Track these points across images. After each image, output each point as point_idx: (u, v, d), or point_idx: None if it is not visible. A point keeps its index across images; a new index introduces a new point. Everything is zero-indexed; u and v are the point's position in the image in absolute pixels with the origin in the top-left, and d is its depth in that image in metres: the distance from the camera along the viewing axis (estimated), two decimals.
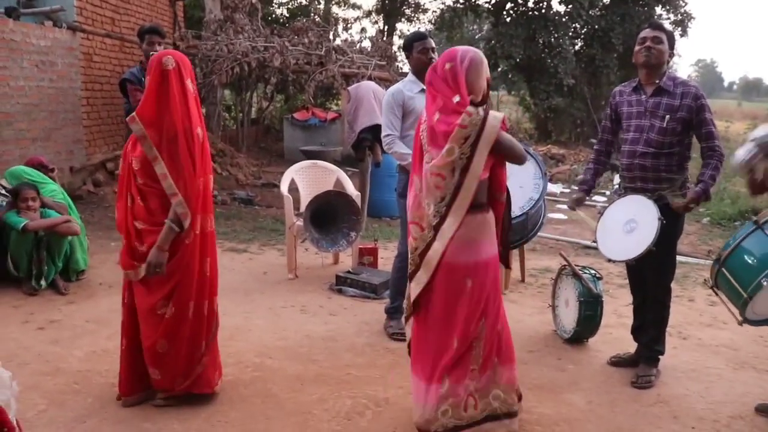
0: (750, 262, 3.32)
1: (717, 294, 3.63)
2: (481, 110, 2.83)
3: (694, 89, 3.65)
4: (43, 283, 5.16)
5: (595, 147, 4.21)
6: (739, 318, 3.43)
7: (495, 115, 2.87)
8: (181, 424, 3.22)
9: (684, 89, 3.65)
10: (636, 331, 4.07)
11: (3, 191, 5.37)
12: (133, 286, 3.30)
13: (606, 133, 4.06)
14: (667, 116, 3.63)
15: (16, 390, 2.90)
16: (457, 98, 2.86)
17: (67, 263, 5.37)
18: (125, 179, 3.26)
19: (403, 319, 4.54)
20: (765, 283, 3.19)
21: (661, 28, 3.74)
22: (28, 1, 8.55)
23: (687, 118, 3.63)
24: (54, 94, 8.17)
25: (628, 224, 3.72)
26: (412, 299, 3.07)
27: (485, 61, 2.97)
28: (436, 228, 2.91)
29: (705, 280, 3.59)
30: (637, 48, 3.72)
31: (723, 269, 3.46)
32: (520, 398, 3.19)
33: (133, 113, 3.16)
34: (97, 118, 9.31)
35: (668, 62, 3.74)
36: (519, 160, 3.00)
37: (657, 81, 3.69)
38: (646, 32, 3.70)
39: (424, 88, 4.36)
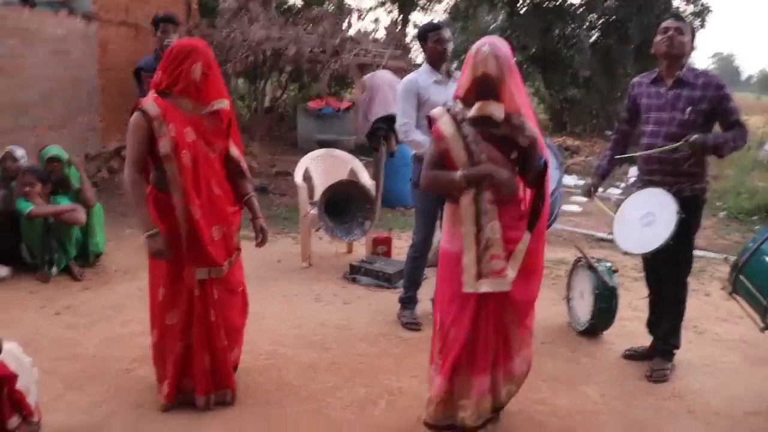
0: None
1: (737, 300, 3.59)
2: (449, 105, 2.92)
3: (715, 80, 3.59)
4: (54, 270, 5.19)
5: (612, 136, 4.17)
6: (761, 324, 3.39)
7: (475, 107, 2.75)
8: (196, 410, 3.23)
9: (705, 80, 3.59)
10: (651, 325, 4.04)
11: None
12: (210, 285, 3.16)
13: (624, 124, 4.02)
14: (688, 109, 3.58)
15: (36, 375, 2.95)
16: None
17: (85, 246, 5.40)
18: (205, 168, 3.11)
19: (416, 309, 4.57)
20: None
21: (682, 18, 3.69)
22: None
23: (708, 110, 3.57)
24: (69, 82, 8.20)
25: (645, 217, 3.68)
26: None
27: (479, 52, 2.75)
28: None
29: (723, 286, 3.56)
30: (658, 38, 3.66)
31: (741, 276, 3.42)
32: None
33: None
34: (112, 106, 9.32)
35: (689, 54, 3.68)
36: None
37: (677, 73, 3.64)
38: (668, 23, 3.64)
39: (439, 78, 4.38)
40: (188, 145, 3.03)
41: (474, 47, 2.80)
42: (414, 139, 4.29)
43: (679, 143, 3.49)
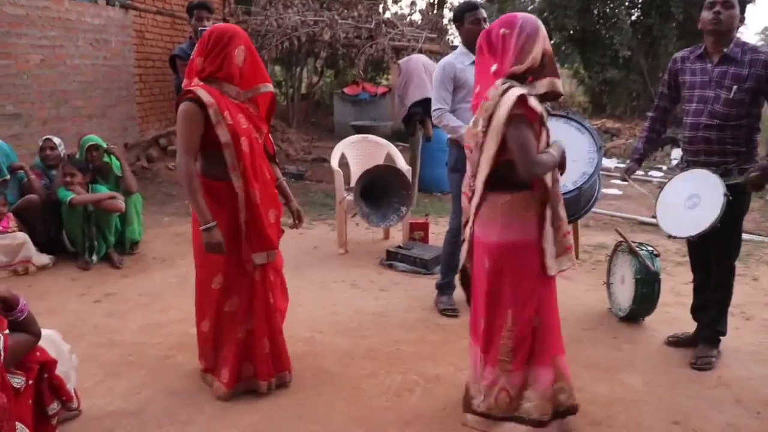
0: None
1: None
2: (508, 83, 2.65)
3: (764, 56, 3.39)
4: (94, 258, 5.27)
5: (650, 115, 3.99)
6: None
7: (513, 93, 2.59)
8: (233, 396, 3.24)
9: (753, 56, 3.41)
10: (696, 311, 3.92)
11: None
12: (267, 269, 3.20)
13: (663, 100, 3.87)
14: (734, 87, 3.41)
15: (75, 362, 2.99)
16: (494, 67, 2.72)
17: (122, 234, 5.47)
18: (257, 153, 3.12)
19: (454, 295, 4.52)
20: None
21: None
22: None
23: (756, 88, 3.41)
24: (108, 71, 8.30)
25: (690, 199, 3.55)
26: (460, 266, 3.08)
27: (543, 29, 2.72)
28: (470, 202, 2.86)
29: None
30: (704, 13, 3.48)
31: None
32: (558, 413, 2.88)
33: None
34: (150, 95, 9.43)
35: (737, 28, 3.50)
36: (523, 167, 2.64)
37: (724, 49, 3.47)
38: None
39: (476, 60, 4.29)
40: (244, 131, 3.02)
41: (534, 21, 2.71)
42: (448, 123, 4.22)
43: (743, 178, 3.39)
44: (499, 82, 2.67)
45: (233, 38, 2.99)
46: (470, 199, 2.87)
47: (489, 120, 2.65)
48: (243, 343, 3.21)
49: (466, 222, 2.94)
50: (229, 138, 2.95)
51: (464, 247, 2.98)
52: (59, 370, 2.61)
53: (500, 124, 2.60)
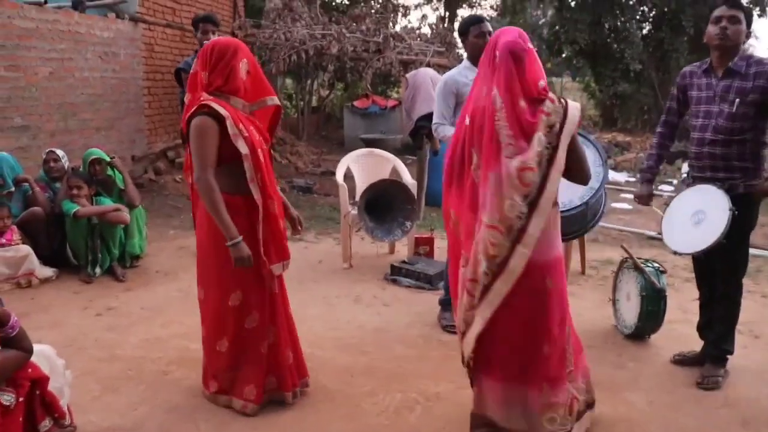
0: None
1: None
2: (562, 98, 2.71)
3: None
4: (98, 270, 5.26)
5: (657, 130, 3.94)
6: None
7: (575, 104, 2.72)
8: (230, 413, 3.21)
9: (757, 69, 3.36)
10: (702, 329, 3.85)
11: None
12: (282, 279, 3.27)
13: (670, 115, 3.83)
14: (737, 100, 3.37)
15: (69, 378, 2.96)
16: (542, 83, 2.67)
17: (123, 248, 5.46)
18: (269, 165, 3.15)
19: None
20: None
21: (738, 5, 3.41)
22: None
23: (760, 101, 3.35)
24: (117, 84, 8.34)
25: (696, 215, 3.50)
26: (488, 314, 2.73)
27: None
28: (522, 230, 2.62)
29: None
30: (710, 28, 3.44)
31: None
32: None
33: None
34: (158, 108, 9.47)
35: (744, 43, 3.46)
36: (585, 177, 2.84)
37: (728, 63, 3.42)
38: (721, 10, 3.40)
39: None
40: (259, 143, 3.04)
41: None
42: (445, 134, 4.19)
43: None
44: (552, 95, 2.67)
45: (237, 52, 3.01)
46: (506, 231, 2.65)
47: (559, 132, 2.63)
48: (267, 358, 3.20)
49: (503, 259, 2.67)
50: (248, 150, 2.94)
51: (501, 290, 2.70)
52: (52, 386, 2.58)
53: (572, 131, 2.65)
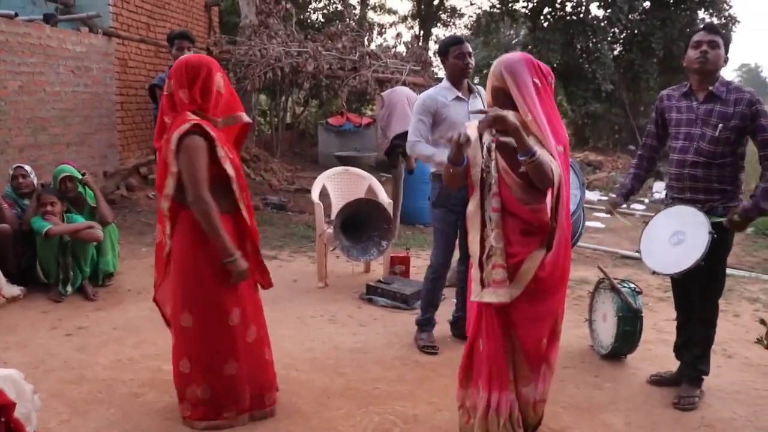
0: None
1: None
2: None
3: (748, 95, 3.40)
4: (69, 289, 5.15)
5: (638, 152, 4.01)
6: None
7: None
8: None
9: (737, 95, 3.42)
10: (679, 349, 3.86)
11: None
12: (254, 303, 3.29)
13: (650, 138, 3.87)
14: (720, 125, 3.41)
15: (37, 404, 2.86)
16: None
17: (96, 266, 5.35)
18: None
19: (434, 332, 4.44)
20: None
21: (716, 30, 3.48)
22: (65, 7, 8.64)
23: (741, 127, 3.40)
24: (89, 99, 8.23)
25: (675, 236, 3.52)
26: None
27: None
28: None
29: (758, 339, 3.39)
30: (690, 52, 3.49)
31: None
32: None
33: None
34: (131, 123, 9.36)
35: (722, 68, 3.49)
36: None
37: (709, 87, 3.48)
38: (700, 35, 3.45)
39: (460, 95, 4.26)
40: (239, 164, 3.08)
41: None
42: (421, 152, 4.20)
43: (725, 220, 3.44)
44: None
45: (211, 68, 2.99)
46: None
47: None
48: (271, 364, 3.36)
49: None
50: (234, 173, 2.98)
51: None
52: (19, 413, 2.49)
53: None
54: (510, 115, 2.68)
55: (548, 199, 2.75)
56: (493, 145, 2.78)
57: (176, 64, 3.03)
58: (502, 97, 2.81)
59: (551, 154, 2.69)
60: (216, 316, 3.08)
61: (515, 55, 2.86)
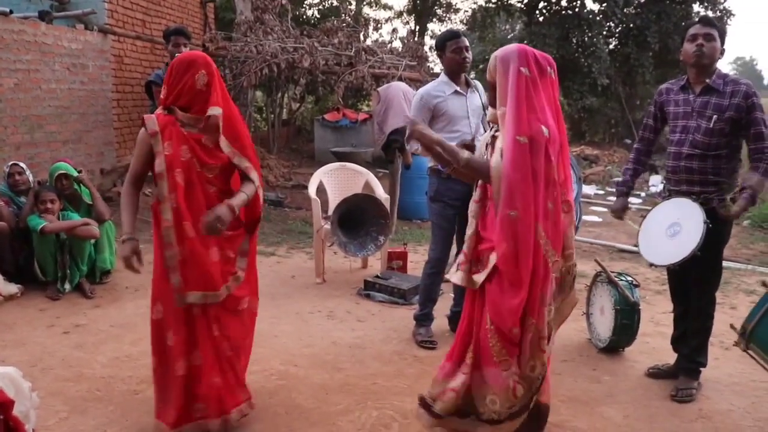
0: None
1: (754, 358, 3.38)
2: None
3: (744, 87, 3.42)
4: (67, 286, 5.15)
5: (634, 146, 4.02)
6: None
7: None
8: None
9: (734, 88, 3.44)
10: (676, 342, 3.88)
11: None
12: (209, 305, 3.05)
13: (647, 131, 3.88)
14: (714, 116, 3.43)
15: (36, 401, 2.85)
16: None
17: (93, 263, 5.35)
18: (197, 189, 3.01)
19: (432, 327, 4.44)
20: None
21: (712, 23, 3.49)
22: (61, 4, 8.61)
23: (736, 118, 3.42)
24: (85, 96, 8.20)
25: (671, 228, 3.54)
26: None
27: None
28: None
29: (735, 342, 3.40)
30: (686, 46, 3.51)
31: (752, 344, 3.25)
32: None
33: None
34: (128, 120, 9.34)
35: (718, 60, 3.50)
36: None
37: (706, 80, 3.49)
38: (696, 28, 3.48)
39: (458, 90, 4.26)
40: (182, 164, 2.91)
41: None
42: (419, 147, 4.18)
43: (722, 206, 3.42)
44: None
45: (191, 65, 2.93)
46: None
47: None
48: (186, 380, 2.98)
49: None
50: (163, 168, 2.88)
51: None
52: (17, 410, 2.48)
53: None
54: (425, 130, 2.82)
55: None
56: (490, 139, 2.81)
57: (172, 61, 3.04)
58: (492, 92, 2.77)
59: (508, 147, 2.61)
60: (150, 302, 3.06)
61: (511, 46, 2.75)
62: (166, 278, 2.94)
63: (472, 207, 2.87)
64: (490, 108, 2.77)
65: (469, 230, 2.85)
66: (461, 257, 2.88)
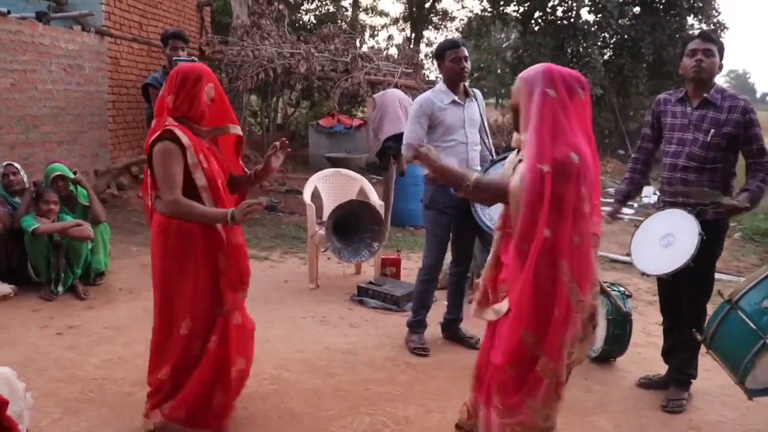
0: (732, 346, 3.15)
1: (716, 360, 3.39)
2: None
3: (743, 103, 3.47)
4: (60, 288, 5.14)
5: (633, 155, 4.05)
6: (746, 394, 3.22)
7: None
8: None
9: (732, 103, 3.48)
10: (667, 353, 3.91)
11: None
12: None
13: (646, 141, 3.90)
14: (712, 130, 3.47)
15: (30, 402, 2.87)
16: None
17: (88, 265, 5.34)
18: (229, 196, 3.10)
19: (425, 334, 4.46)
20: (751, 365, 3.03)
21: (712, 39, 3.53)
22: (58, 5, 8.61)
23: (733, 134, 3.46)
24: (81, 97, 8.20)
25: (665, 238, 3.56)
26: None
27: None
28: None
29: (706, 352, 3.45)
30: (686, 60, 3.55)
31: (711, 351, 3.30)
32: None
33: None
34: (123, 122, 9.34)
35: (716, 75, 3.55)
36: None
37: (704, 94, 3.53)
38: (696, 44, 3.51)
39: (456, 99, 4.28)
40: (219, 174, 2.98)
41: None
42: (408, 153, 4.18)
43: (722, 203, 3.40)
44: None
45: (202, 77, 2.95)
46: None
47: None
48: (210, 386, 3.01)
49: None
50: (205, 182, 2.89)
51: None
52: (11, 411, 2.49)
53: None
54: (430, 153, 2.63)
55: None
56: (516, 163, 2.56)
57: (173, 71, 3.00)
58: (516, 115, 2.55)
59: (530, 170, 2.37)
60: (169, 322, 3.01)
61: (536, 66, 2.52)
62: (205, 294, 2.95)
63: (495, 235, 2.67)
64: (515, 133, 2.59)
65: (490, 261, 2.64)
66: (477, 292, 2.66)
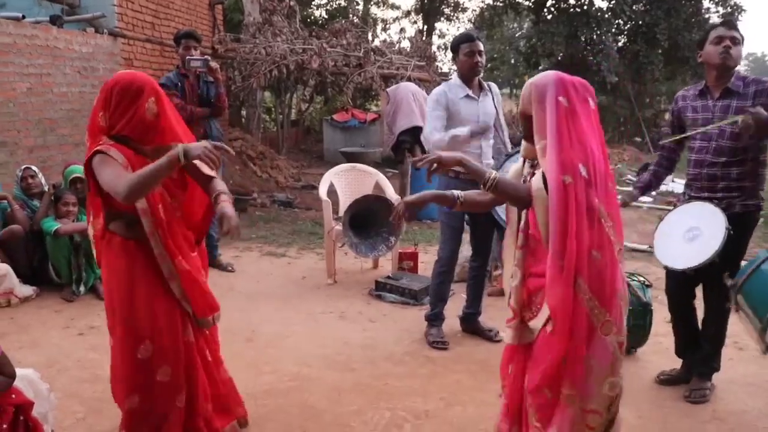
0: (763, 294, 3.02)
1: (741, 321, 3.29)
2: None
3: None
4: (81, 289, 5.19)
5: (658, 152, 3.96)
6: (761, 346, 3.06)
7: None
8: None
9: (758, 87, 3.36)
10: (683, 351, 3.83)
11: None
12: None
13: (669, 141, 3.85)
14: (739, 119, 3.34)
15: (54, 402, 2.90)
16: None
17: None
18: (175, 219, 2.84)
19: (443, 327, 4.45)
20: None
21: (736, 27, 3.42)
22: (71, 8, 8.66)
23: None
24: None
25: (690, 231, 3.47)
26: None
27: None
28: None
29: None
30: (711, 48, 3.42)
31: (739, 295, 3.14)
32: None
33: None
34: None
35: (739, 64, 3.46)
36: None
37: (726, 83, 3.42)
38: (721, 31, 3.40)
39: (470, 94, 4.25)
40: (159, 198, 2.69)
41: None
42: (443, 138, 4.08)
43: (740, 117, 3.21)
44: None
45: (142, 90, 2.61)
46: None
47: None
48: (183, 411, 2.86)
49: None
50: (146, 204, 2.64)
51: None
52: (36, 412, 2.53)
53: None
54: (445, 155, 2.54)
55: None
56: (529, 177, 2.50)
57: (108, 83, 2.67)
58: (527, 124, 2.45)
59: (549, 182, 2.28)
60: (122, 347, 2.84)
61: (547, 73, 2.43)
62: (156, 315, 2.75)
63: (517, 254, 2.50)
64: (524, 142, 2.51)
65: (514, 281, 2.49)
66: (509, 314, 2.50)
